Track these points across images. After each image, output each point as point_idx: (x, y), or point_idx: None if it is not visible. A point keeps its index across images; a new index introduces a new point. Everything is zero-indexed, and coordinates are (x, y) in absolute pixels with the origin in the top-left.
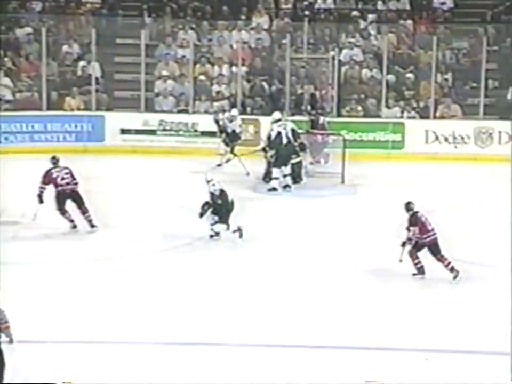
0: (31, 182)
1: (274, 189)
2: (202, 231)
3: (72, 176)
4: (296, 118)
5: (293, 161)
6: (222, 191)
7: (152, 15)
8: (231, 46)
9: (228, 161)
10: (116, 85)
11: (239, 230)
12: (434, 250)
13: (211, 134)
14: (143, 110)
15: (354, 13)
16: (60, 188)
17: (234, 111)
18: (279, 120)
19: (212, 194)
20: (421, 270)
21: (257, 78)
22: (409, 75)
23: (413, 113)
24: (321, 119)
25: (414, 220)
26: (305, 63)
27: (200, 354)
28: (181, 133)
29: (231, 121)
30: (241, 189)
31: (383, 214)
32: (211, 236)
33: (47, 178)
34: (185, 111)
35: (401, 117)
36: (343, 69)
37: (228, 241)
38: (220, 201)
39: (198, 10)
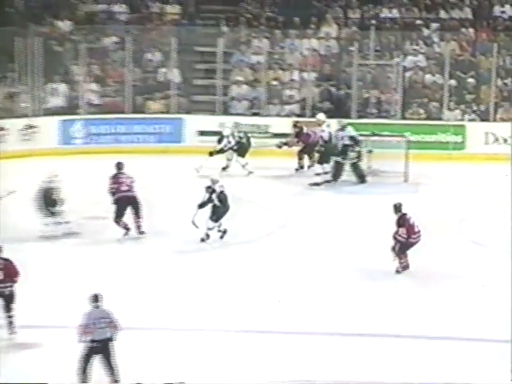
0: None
1: (316, 184)
2: (271, 226)
3: (133, 183)
4: (363, 120)
5: (337, 159)
6: (224, 193)
7: (228, 24)
8: (301, 53)
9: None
10: (194, 90)
11: (224, 231)
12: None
13: (283, 135)
14: (219, 112)
15: (418, 21)
16: (121, 194)
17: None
18: (324, 122)
19: (215, 194)
20: (405, 268)
21: (325, 83)
22: (470, 80)
23: (473, 115)
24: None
25: (402, 221)
26: (371, 69)
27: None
28: (254, 134)
29: None
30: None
31: (444, 211)
32: (202, 240)
33: (114, 183)
34: (258, 114)
35: (462, 120)
36: (407, 74)
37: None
38: (219, 203)
39: (271, 20)
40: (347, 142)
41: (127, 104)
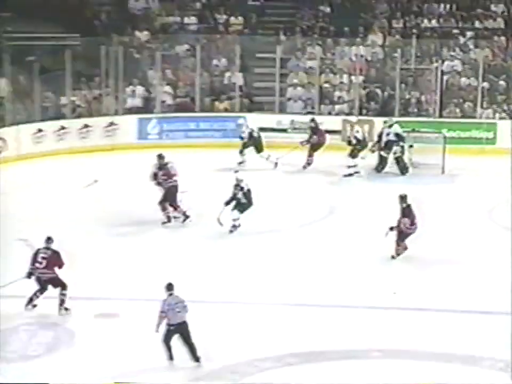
0: (187, 172)
1: (350, 175)
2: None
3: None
4: (404, 119)
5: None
6: (249, 190)
7: (285, 33)
8: (350, 59)
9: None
10: (255, 91)
11: (239, 225)
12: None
13: (334, 132)
14: (277, 112)
15: (455, 30)
16: (171, 184)
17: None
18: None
19: (241, 192)
20: (400, 255)
21: (371, 85)
22: (501, 82)
23: (503, 114)
24: None
25: (408, 212)
26: (413, 72)
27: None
28: (307, 131)
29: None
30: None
31: (477, 200)
32: (231, 231)
33: (164, 174)
34: (311, 113)
35: (494, 118)
36: (445, 77)
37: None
38: (244, 199)
39: (323, 29)
40: (392, 138)
41: (197, 104)
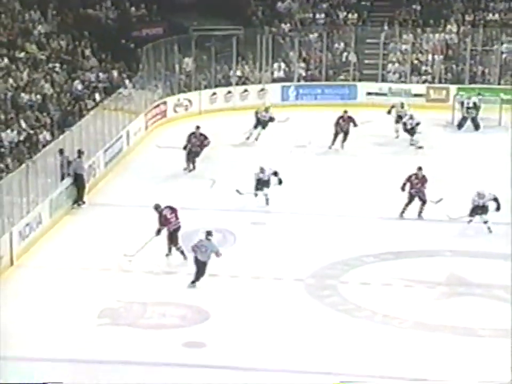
0: (315, 123)
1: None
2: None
3: (205, 140)
4: (472, 86)
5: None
6: (275, 172)
7: (388, 25)
8: (433, 43)
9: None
10: (364, 67)
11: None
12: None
13: (419, 95)
14: (380, 81)
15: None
16: (193, 149)
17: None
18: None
19: (263, 176)
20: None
21: (449, 62)
22: None
23: None
24: None
25: (425, 179)
26: (479, 53)
27: None
28: (398, 95)
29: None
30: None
31: None
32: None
33: (188, 140)
34: (404, 82)
35: None
36: (503, 56)
37: None
38: (271, 181)
39: (414, 21)
40: (471, 105)
41: (323, 75)
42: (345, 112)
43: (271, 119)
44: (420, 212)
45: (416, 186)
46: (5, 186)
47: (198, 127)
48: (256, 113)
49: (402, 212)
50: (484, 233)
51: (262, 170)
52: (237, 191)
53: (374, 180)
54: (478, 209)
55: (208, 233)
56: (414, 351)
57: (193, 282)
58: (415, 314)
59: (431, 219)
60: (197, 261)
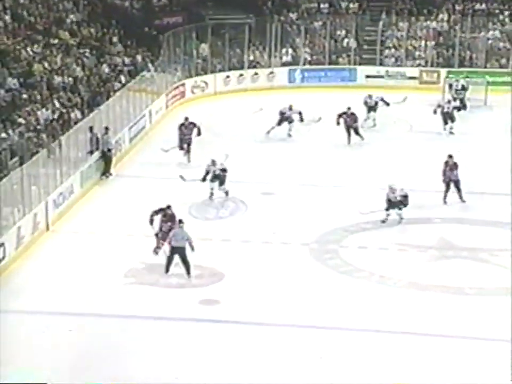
0: (319, 102)
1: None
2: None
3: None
4: (461, 69)
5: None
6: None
7: (385, 14)
8: (427, 30)
9: None
10: (363, 52)
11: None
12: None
13: (413, 78)
14: (378, 65)
15: (497, 11)
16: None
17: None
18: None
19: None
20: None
21: (439, 48)
22: None
23: None
24: None
25: (456, 165)
26: (467, 39)
27: None
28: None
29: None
30: None
31: (508, 121)
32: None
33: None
34: (400, 65)
35: None
36: (489, 42)
37: None
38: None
39: (410, 11)
40: (460, 87)
41: (326, 59)
42: (349, 108)
43: (300, 113)
44: (460, 197)
45: (447, 173)
46: (41, 159)
47: (186, 118)
48: (281, 112)
49: (444, 198)
50: (468, 203)
51: (213, 162)
52: (181, 177)
53: (376, 156)
54: (392, 203)
55: (180, 221)
56: (407, 307)
57: (189, 274)
58: (408, 275)
59: (423, 190)
60: (173, 249)
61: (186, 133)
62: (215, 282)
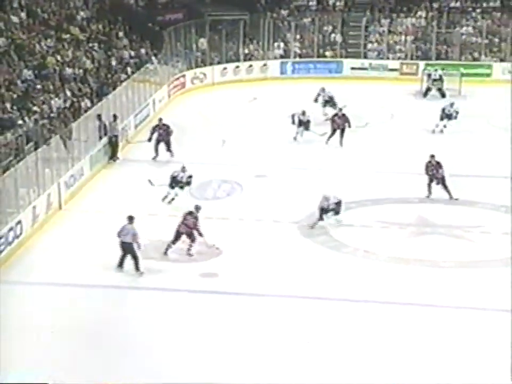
0: (309, 92)
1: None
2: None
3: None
4: (437, 62)
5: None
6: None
7: (370, 11)
8: (406, 26)
9: None
10: (348, 46)
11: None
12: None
13: (394, 70)
14: (362, 58)
15: (470, 8)
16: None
17: None
18: None
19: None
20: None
21: (418, 42)
22: (496, 40)
23: (496, 59)
24: None
25: (439, 164)
26: (443, 34)
27: None
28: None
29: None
30: None
31: (480, 111)
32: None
33: (156, 126)
34: (381, 58)
35: (490, 61)
36: (463, 37)
37: None
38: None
39: (391, 8)
40: (437, 77)
41: (314, 52)
42: (340, 110)
43: (308, 122)
44: (450, 197)
45: (431, 172)
46: (54, 144)
47: (160, 119)
48: (293, 116)
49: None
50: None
51: (183, 169)
52: (149, 181)
53: (361, 142)
54: (324, 211)
55: (130, 218)
56: (389, 279)
57: (137, 269)
58: (389, 250)
59: (401, 171)
60: (123, 244)
61: (162, 133)
62: (213, 257)
